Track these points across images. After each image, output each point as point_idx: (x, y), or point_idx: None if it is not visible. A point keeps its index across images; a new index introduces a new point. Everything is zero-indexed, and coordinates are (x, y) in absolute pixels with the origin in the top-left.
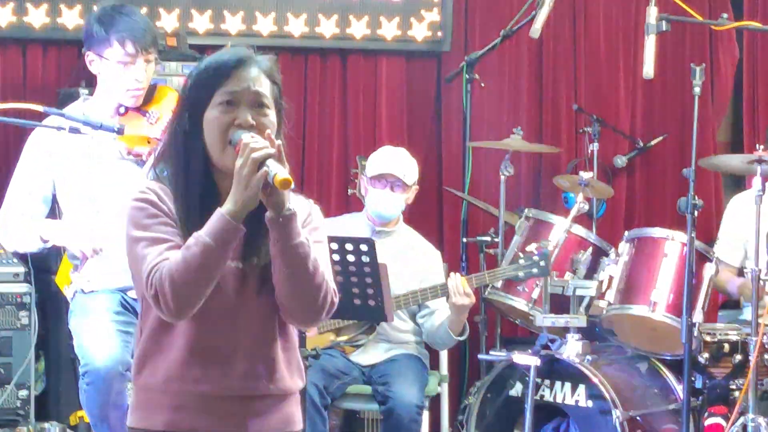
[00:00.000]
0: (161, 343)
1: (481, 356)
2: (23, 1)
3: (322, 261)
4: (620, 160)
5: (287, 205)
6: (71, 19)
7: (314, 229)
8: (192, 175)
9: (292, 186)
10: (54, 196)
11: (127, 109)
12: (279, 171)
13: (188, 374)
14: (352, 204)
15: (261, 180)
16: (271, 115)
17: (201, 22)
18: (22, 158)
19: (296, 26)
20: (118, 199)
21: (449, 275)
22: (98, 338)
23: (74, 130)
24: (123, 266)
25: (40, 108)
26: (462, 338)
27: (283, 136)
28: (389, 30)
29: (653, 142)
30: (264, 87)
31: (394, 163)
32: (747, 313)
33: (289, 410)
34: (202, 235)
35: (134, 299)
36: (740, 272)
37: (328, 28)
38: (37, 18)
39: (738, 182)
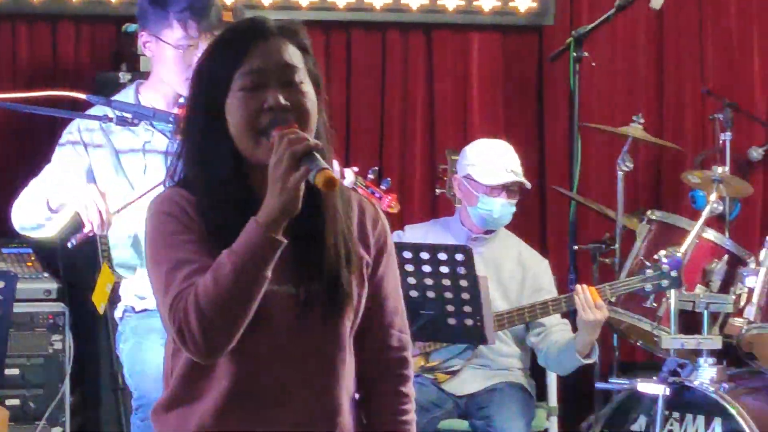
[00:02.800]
0: (195, 386)
1: (598, 384)
2: None
3: (398, 314)
4: (756, 153)
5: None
6: None
7: (394, 262)
8: (217, 178)
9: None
10: None
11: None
12: (321, 168)
13: (227, 424)
14: (439, 206)
15: (301, 180)
16: (309, 92)
17: None
18: (60, 149)
19: None
20: None
21: (576, 287)
22: (153, 367)
23: (122, 121)
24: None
25: (82, 96)
26: (590, 361)
27: (325, 120)
28: (481, 1)
29: None
30: (294, 58)
31: (514, 164)
32: None
33: None
34: (235, 250)
35: None
36: None
37: None
38: None
39: None
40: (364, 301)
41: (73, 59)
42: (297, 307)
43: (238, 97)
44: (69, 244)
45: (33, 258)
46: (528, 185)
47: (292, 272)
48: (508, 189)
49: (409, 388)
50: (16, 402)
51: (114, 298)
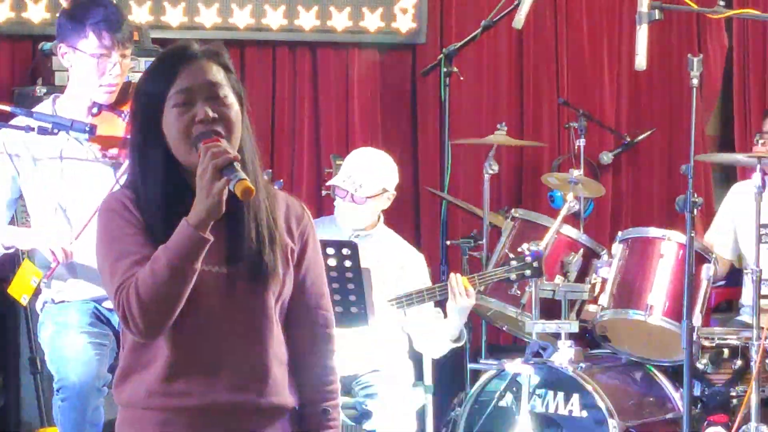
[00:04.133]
0: (142, 358)
1: (471, 365)
2: None
3: (324, 297)
4: (606, 157)
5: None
6: (33, 12)
7: (310, 243)
8: (154, 181)
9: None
10: (16, 201)
11: (100, 108)
12: (240, 179)
13: (171, 389)
14: (324, 206)
15: (223, 188)
16: (233, 104)
17: (174, 15)
18: None
19: (274, 18)
20: (90, 205)
21: (449, 276)
22: (72, 352)
23: (43, 131)
24: (95, 275)
25: (7, 108)
26: (460, 344)
27: (249, 127)
28: (359, 21)
29: (640, 138)
30: (218, 76)
31: (357, 173)
32: (745, 316)
33: (284, 428)
34: (168, 247)
35: (108, 309)
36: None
37: (307, 20)
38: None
39: (728, 176)
40: (289, 281)
41: None
42: (226, 283)
43: (172, 113)
44: (42, 283)
45: None
46: (358, 193)
47: (222, 254)
48: (351, 195)
49: (334, 362)
50: None
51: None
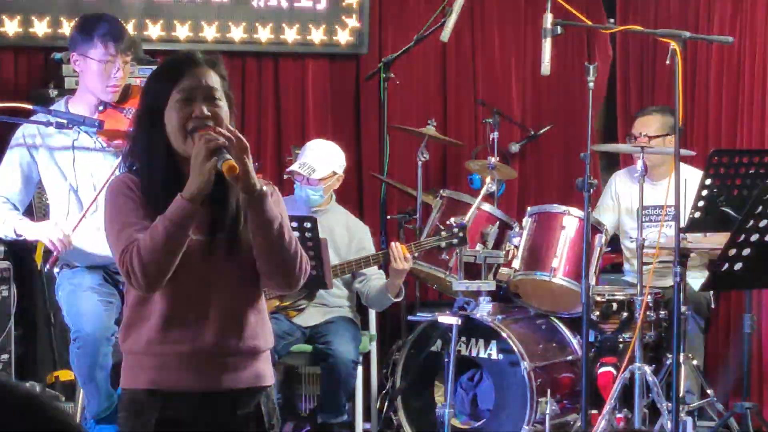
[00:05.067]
0: (142, 312)
1: (410, 317)
2: None
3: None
4: (514, 147)
5: (258, 187)
6: (41, 28)
7: (278, 204)
8: (156, 165)
9: (237, 172)
10: (39, 183)
11: (105, 107)
12: (226, 159)
13: (167, 337)
14: (286, 188)
15: (213, 167)
16: (224, 105)
17: (154, 31)
18: (8, 151)
19: (236, 33)
20: (98, 186)
21: (390, 244)
22: (86, 308)
23: (60, 126)
24: (103, 247)
25: (29, 106)
26: (399, 299)
27: (234, 123)
28: (316, 36)
29: (542, 131)
30: (214, 82)
31: (311, 159)
32: (628, 276)
33: (259, 366)
34: (165, 216)
35: (114, 272)
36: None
37: (263, 34)
38: (10, 27)
39: (612, 162)
40: None
41: (13, 80)
42: (208, 249)
43: (174, 107)
44: (45, 269)
45: None
46: (312, 176)
47: (206, 227)
48: (306, 178)
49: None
50: None
51: (49, 257)
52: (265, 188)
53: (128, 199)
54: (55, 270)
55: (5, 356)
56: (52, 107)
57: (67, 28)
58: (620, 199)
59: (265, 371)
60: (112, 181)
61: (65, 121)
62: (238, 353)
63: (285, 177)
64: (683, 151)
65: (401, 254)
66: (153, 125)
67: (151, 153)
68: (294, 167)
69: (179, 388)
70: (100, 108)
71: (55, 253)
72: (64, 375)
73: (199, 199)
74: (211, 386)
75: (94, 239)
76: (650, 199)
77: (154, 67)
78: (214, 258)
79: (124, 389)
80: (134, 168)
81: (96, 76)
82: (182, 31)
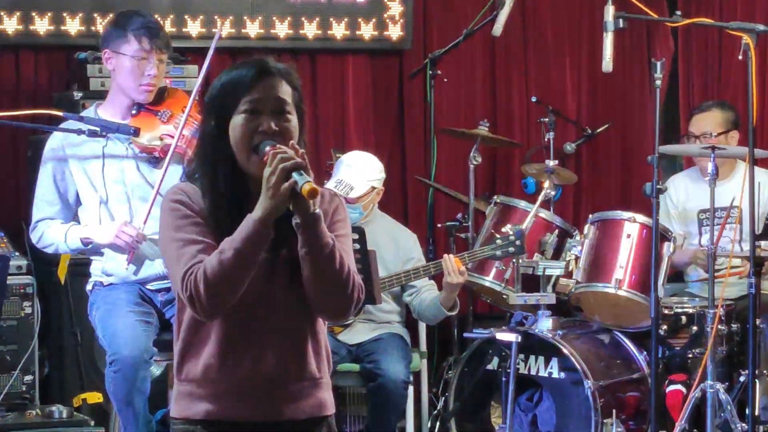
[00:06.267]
0: (199, 337)
1: (466, 334)
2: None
3: (348, 255)
4: (569, 147)
5: (312, 209)
6: (69, 26)
7: (339, 221)
8: (220, 177)
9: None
10: (77, 196)
11: (139, 110)
12: (307, 181)
13: (225, 364)
14: None
15: (288, 189)
16: (293, 120)
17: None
18: (43, 166)
19: (252, 28)
20: (131, 197)
21: (442, 257)
22: (123, 329)
23: (92, 134)
24: (140, 261)
25: (59, 113)
26: (453, 313)
27: (305, 140)
28: (356, 30)
29: (599, 130)
30: (285, 93)
31: (343, 176)
32: (693, 288)
33: (321, 394)
34: (236, 239)
35: (151, 290)
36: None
37: (301, 30)
38: (40, 26)
39: (672, 164)
40: None
41: (33, 81)
42: (270, 268)
43: (240, 119)
44: (126, 267)
45: (5, 240)
46: (349, 195)
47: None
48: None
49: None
50: None
51: (73, 272)
52: (318, 210)
53: (187, 213)
54: (87, 287)
55: (29, 378)
56: (82, 113)
57: (91, 25)
58: (683, 203)
59: (327, 399)
60: (169, 190)
61: (98, 129)
62: (299, 381)
63: (325, 183)
64: (758, 152)
65: (455, 267)
66: (218, 137)
67: (215, 168)
68: (330, 185)
69: (237, 418)
70: (133, 111)
71: (130, 253)
72: (92, 398)
73: (272, 222)
74: (271, 416)
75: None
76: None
77: (187, 67)
78: (276, 278)
79: (176, 418)
80: (196, 176)
81: (129, 73)
82: (194, 28)
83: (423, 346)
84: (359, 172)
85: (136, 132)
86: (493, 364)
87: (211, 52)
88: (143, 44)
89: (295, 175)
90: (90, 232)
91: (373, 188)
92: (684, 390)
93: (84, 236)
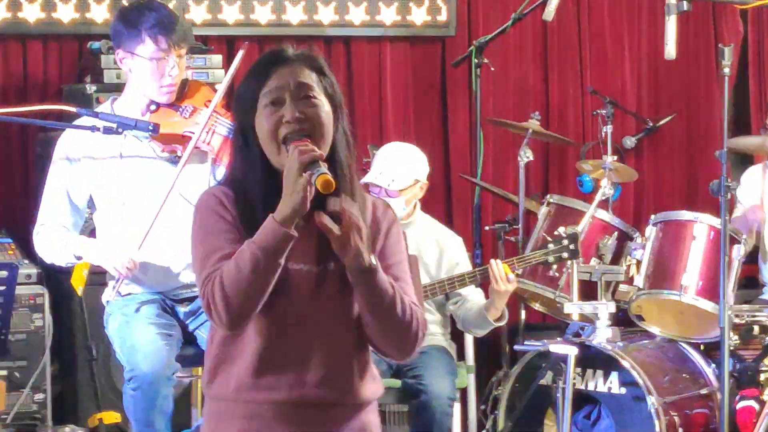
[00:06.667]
0: (232, 351)
1: (517, 346)
2: None
3: (408, 286)
4: (629, 141)
5: (366, 263)
6: (67, 13)
7: (395, 244)
8: (251, 179)
9: (334, 188)
10: (90, 201)
11: (158, 105)
12: (321, 173)
13: (260, 383)
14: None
15: (305, 183)
16: (322, 105)
17: (198, 13)
18: (53, 166)
19: (294, 14)
20: (151, 200)
21: (489, 262)
22: (142, 343)
23: (108, 130)
24: (162, 270)
25: (72, 109)
26: (502, 324)
27: (346, 131)
28: (392, 15)
29: (662, 122)
30: (307, 78)
31: (383, 168)
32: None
33: (366, 419)
34: (253, 242)
35: (173, 301)
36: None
37: (327, 15)
38: (31, 13)
39: (744, 159)
40: None
41: (42, 73)
42: (315, 282)
43: (262, 114)
44: (115, 295)
45: (13, 247)
46: (391, 187)
47: (313, 254)
48: (383, 189)
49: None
50: (3, 372)
51: (91, 281)
52: (375, 262)
53: (220, 218)
54: (103, 297)
55: (40, 396)
56: (97, 109)
57: (97, 12)
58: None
59: (373, 423)
60: (203, 194)
61: (114, 125)
62: (342, 404)
63: (361, 182)
64: None
65: (503, 274)
66: (246, 140)
67: (246, 172)
68: (369, 177)
69: None
70: (152, 107)
71: (119, 281)
72: (109, 417)
73: (294, 222)
74: None
75: (153, 265)
76: None
77: (211, 57)
78: (323, 293)
79: None
80: (228, 180)
81: (148, 77)
82: (231, 13)
83: (470, 360)
84: (402, 163)
85: (156, 129)
86: (547, 379)
87: (232, 70)
88: (160, 44)
89: (313, 168)
90: (83, 250)
91: (417, 181)
92: (756, 406)
93: (77, 252)
